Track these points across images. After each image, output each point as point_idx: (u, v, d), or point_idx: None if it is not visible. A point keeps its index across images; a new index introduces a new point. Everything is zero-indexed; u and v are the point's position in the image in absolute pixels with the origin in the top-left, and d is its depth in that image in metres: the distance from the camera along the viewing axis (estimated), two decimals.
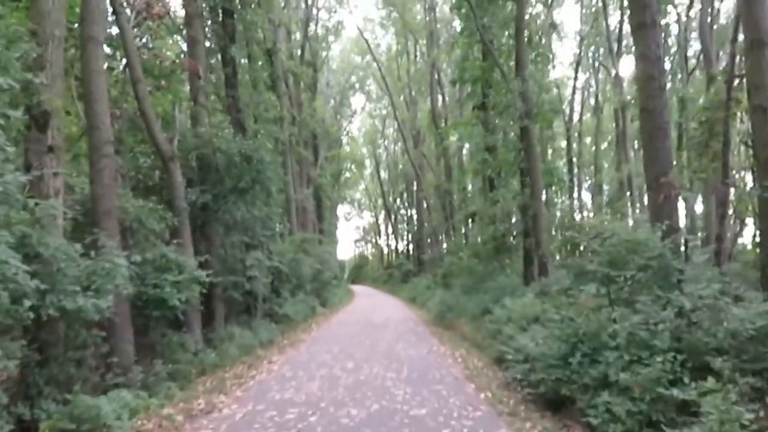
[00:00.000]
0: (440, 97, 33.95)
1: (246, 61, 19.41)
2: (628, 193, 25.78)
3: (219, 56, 17.13)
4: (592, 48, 31.52)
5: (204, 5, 15.32)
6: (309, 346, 12.93)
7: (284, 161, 24.71)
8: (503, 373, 8.85)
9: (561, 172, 20.10)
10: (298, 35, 32.78)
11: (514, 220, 16.39)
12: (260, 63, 19.95)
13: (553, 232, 19.17)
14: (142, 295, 8.75)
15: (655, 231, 6.50)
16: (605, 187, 36.02)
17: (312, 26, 36.21)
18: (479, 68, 17.03)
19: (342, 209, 68.57)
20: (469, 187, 30.57)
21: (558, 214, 17.89)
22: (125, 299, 8.46)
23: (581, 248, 9.10)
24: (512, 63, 15.99)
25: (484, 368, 9.36)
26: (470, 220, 21.39)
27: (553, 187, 18.02)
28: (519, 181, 16.29)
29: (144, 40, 13.90)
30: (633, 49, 8.90)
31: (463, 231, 30.75)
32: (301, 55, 31.87)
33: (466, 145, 31.63)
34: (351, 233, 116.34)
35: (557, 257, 17.46)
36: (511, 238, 16.22)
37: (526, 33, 15.08)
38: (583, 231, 7.25)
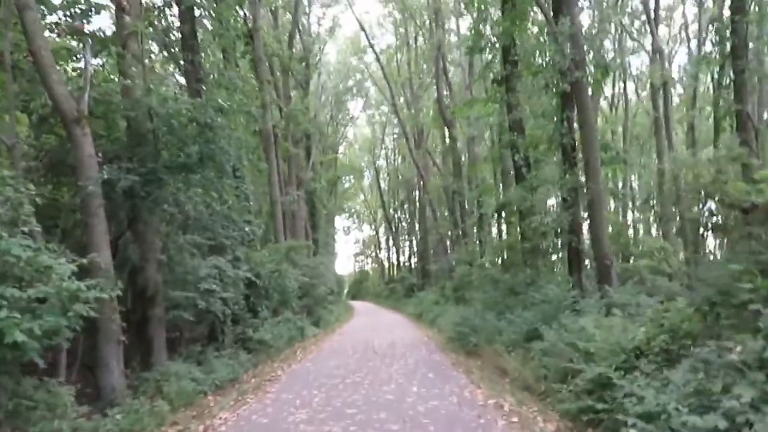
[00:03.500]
0: (446, 87, 30.16)
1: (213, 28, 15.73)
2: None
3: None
4: (616, 24, 27.56)
5: None
6: (281, 390, 8.99)
7: (268, 156, 21.03)
8: None
9: (616, 147, 16.09)
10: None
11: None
12: (231, 23, 16.16)
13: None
14: None
15: None
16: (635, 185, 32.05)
17: (304, 19, 32.87)
18: (508, 18, 13.15)
19: (341, 222, 65.08)
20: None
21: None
22: None
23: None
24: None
25: None
26: (497, 215, 17.38)
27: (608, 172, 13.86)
28: (560, 160, 12.47)
29: None
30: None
31: (475, 237, 26.89)
32: (289, 42, 28.24)
33: (478, 134, 27.89)
34: (351, 248, 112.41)
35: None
36: (554, 236, 12.33)
37: None
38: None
